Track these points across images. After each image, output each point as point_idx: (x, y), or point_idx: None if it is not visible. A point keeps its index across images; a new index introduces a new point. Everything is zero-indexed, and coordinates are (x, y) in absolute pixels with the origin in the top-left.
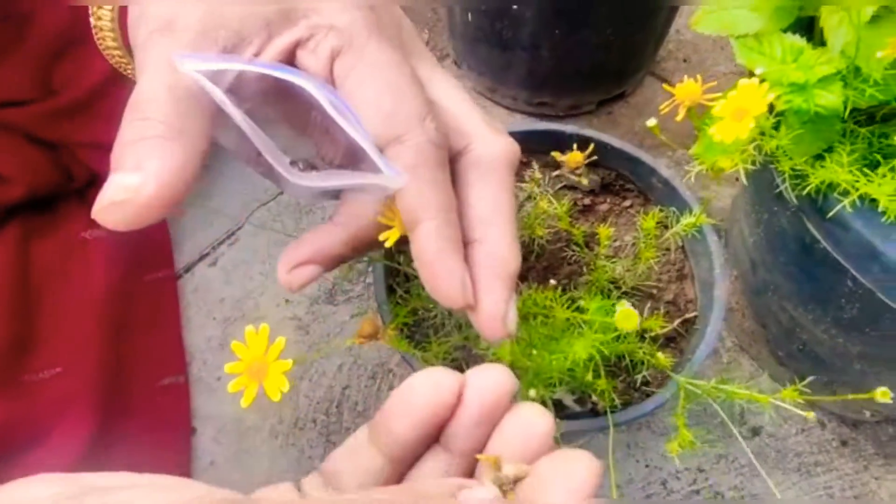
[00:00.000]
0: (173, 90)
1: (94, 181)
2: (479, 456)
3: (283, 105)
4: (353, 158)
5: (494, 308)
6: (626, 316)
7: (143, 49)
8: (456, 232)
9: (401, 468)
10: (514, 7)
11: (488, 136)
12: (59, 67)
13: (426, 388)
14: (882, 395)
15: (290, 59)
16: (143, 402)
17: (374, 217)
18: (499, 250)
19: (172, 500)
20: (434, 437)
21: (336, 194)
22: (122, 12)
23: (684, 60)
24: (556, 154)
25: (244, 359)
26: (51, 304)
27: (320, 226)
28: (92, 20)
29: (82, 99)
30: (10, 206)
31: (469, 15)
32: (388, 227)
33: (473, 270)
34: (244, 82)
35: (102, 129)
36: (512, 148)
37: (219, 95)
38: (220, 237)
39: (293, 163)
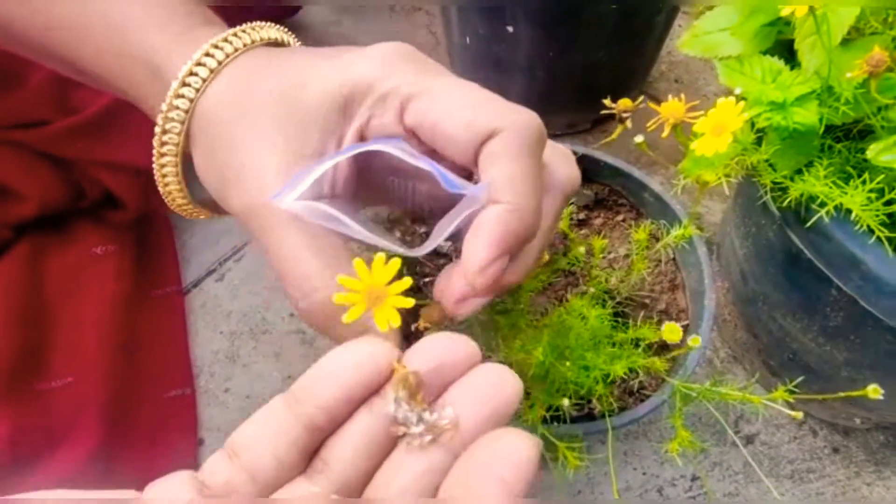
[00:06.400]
0: (311, 246)
1: (107, 199)
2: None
3: (365, 181)
4: (438, 202)
5: (470, 257)
6: (672, 329)
7: (255, 216)
8: (520, 227)
9: (320, 437)
10: (510, 30)
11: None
12: (76, 90)
13: (360, 353)
14: (873, 392)
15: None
16: (151, 413)
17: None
18: (497, 209)
19: None
20: (361, 401)
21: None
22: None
23: (676, 80)
24: None
25: (364, 280)
26: (63, 317)
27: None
28: (158, 181)
29: (98, 118)
30: (22, 224)
31: (468, 38)
32: None
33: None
34: (335, 180)
35: (116, 148)
36: (522, 122)
37: (334, 217)
38: (226, 253)
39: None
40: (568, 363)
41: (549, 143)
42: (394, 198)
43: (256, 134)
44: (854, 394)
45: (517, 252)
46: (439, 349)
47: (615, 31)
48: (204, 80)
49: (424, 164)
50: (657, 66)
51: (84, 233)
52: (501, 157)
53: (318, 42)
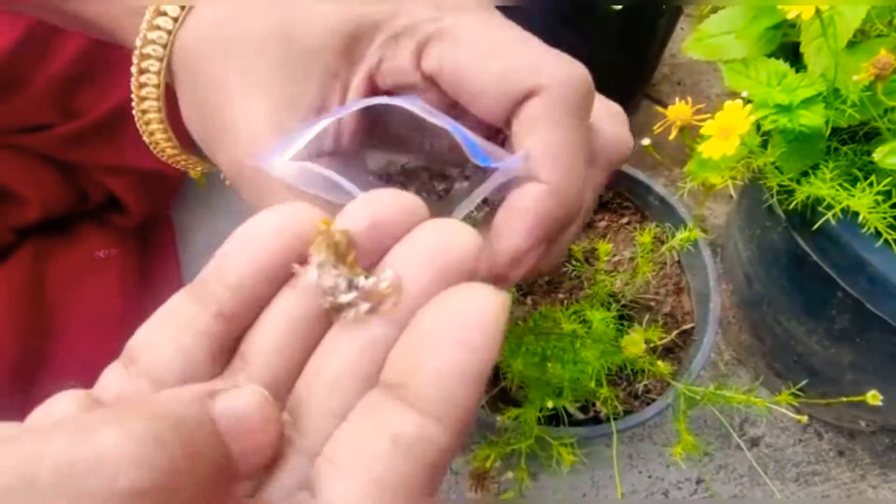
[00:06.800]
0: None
1: (110, 202)
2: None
3: (375, 133)
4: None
5: (504, 246)
6: (633, 342)
7: (245, 175)
8: (563, 211)
9: (233, 327)
10: None
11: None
12: (80, 93)
13: (276, 218)
14: (872, 398)
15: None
16: None
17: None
18: (536, 189)
19: None
20: (283, 280)
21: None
22: (169, 109)
23: (679, 83)
24: None
25: None
26: (65, 320)
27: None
28: (141, 129)
29: (102, 122)
30: (25, 227)
31: None
32: None
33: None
34: (339, 133)
35: (120, 152)
36: (568, 78)
37: (333, 184)
38: None
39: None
40: (549, 364)
41: (596, 96)
42: (409, 150)
43: (245, 77)
44: (855, 399)
45: (555, 238)
46: (373, 206)
47: (618, 34)
48: (182, 8)
49: (446, 125)
50: (660, 68)
51: (87, 236)
52: (543, 123)
53: None
